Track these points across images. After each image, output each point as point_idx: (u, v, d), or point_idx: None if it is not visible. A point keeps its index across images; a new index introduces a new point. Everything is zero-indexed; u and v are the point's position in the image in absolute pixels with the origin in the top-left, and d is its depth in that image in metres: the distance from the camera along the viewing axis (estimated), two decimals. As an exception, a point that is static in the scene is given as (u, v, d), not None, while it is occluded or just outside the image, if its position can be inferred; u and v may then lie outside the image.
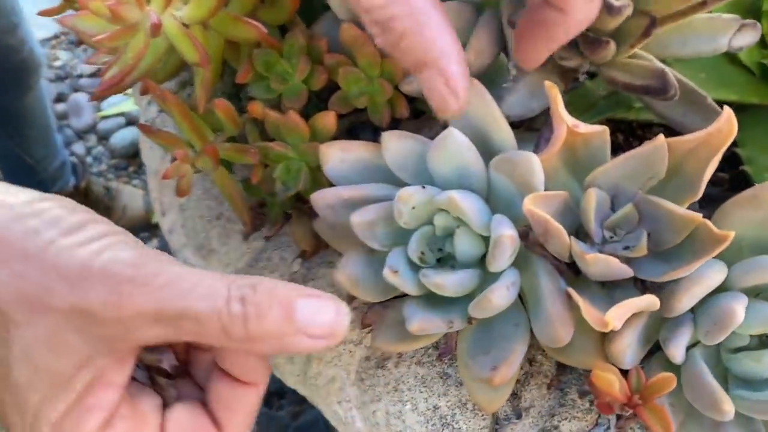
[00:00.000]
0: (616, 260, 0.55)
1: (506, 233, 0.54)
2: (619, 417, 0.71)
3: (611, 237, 0.62)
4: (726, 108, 0.56)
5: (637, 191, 0.62)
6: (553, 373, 0.74)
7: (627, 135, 0.85)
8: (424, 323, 0.59)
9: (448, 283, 0.58)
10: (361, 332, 0.76)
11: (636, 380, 0.53)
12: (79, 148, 3.03)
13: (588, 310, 0.53)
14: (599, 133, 0.61)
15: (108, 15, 0.56)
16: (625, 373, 0.65)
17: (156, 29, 0.55)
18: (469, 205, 0.57)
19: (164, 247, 0.86)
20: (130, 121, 3.03)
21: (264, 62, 0.70)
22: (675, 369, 0.63)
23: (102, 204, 2.53)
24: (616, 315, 0.52)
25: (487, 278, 0.62)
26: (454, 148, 0.60)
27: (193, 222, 0.89)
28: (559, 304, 0.56)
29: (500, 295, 0.55)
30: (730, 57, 0.82)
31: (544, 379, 0.74)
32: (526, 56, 0.49)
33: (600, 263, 0.54)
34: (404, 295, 0.70)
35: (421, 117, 0.75)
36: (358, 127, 0.82)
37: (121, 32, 0.57)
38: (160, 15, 0.59)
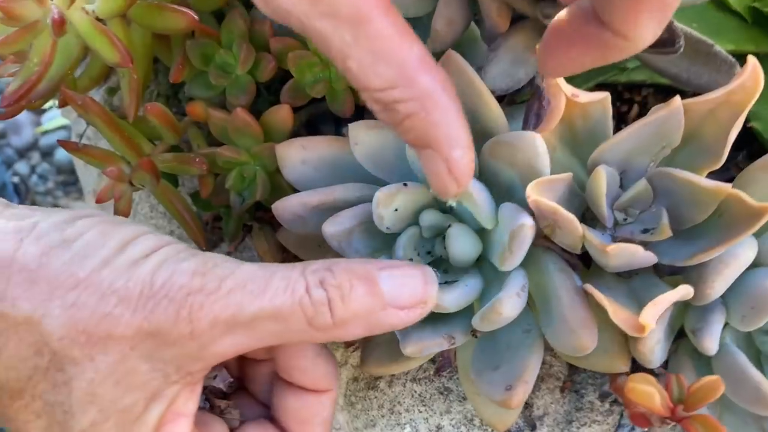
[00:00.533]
0: (640, 248, 0.47)
1: (526, 223, 0.46)
2: (643, 416, 0.63)
3: (624, 219, 0.53)
4: (750, 59, 0.48)
5: (649, 164, 0.53)
6: (564, 374, 0.66)
7: (614, 100, 0.76)
8: (421, 343, 0.51)
9: (448, 300, 0.49)
10: (345, 352, 0.67)
11: (677, 389, 0.45)
12: (22, 167, 2.86)
13: (618, 313, 0.45)
14: (601, 101, 0.52)
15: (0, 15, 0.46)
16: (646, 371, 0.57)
17: (59, 26, 0.45)
18: (476, 189, 0.48)
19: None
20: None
21: (200, 55, 0.60)
22: (704, 359, 0.56)
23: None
24: (652, 315, 0.44)
25: (491, 282, 0.53)
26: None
27: (142, 244, 0.78)
28: (579, 306, 0.48)
29: (511, 305, 0.47)
30: (719, 3, 0.74)
31: (555, 382, 0.66)
32: (556, 69, 0.41)
33: (623, 254, 0.46)
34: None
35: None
36: (318, 119, 0.72)
37: (19, 34, 0.47)
38: (66, 10, 0.49)
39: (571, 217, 0.47)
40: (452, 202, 0.51)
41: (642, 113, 0.65)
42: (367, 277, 0.43)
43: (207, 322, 0.39)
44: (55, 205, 2.50)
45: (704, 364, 0.56)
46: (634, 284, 0.54)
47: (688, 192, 0.51)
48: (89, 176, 0.88)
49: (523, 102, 0.61)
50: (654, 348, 0.51)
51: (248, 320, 0.40)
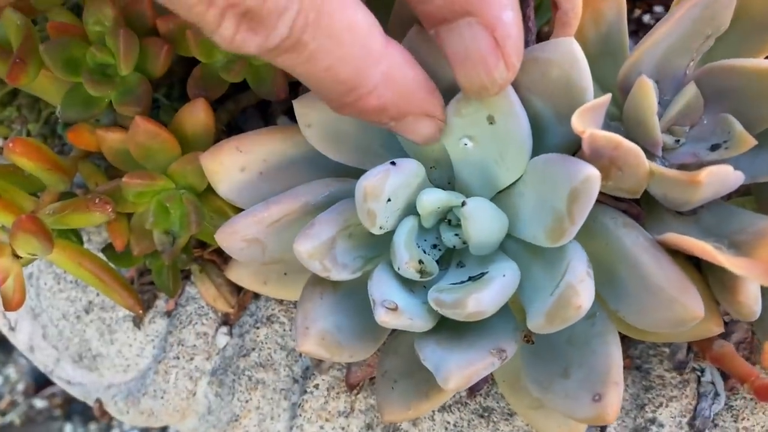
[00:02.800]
0: (730, 168, 0.34)
1: (592, 174, 0.32)
2: (725, 376, 0.51)
3: (676, 141, 0.41)
4: None
5: (688, 64, 0.41)
6: (619, 350, 0.53)
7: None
8: (468, 370, 0.37)
9: (486, 301, 0.35)
10: (348, 398, 0.53)
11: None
12: None
13: (728, 258, 0.32)
14: (614, -3, 0.39)
15: None
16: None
17: None
18: (513, 94, 0.36)
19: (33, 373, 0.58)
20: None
21: (65, 61, 0.44)
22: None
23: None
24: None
25: (528, 266, 0.40)
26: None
27: (57, 326, 0.62)
28: (669, 266, 0.35)
29: (588, 292, 0.34)
30: None
31: (612, 365, 0.52)
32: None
33: (715, 181, 0.33)
34: (393, 331, 0.47)
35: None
36: (241, 120, 0.57)
37: None
38: None
39: (637, 150, 0.34)
40: (475, 131, 0.37)
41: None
42: None
43: None
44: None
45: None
46: (705, 220, 0.42)
47: (751, 83, 0.39)
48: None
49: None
50: (758, 294, 0.39)
51: None
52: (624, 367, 0.54)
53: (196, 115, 0.44)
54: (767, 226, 0.36)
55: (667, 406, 0.51)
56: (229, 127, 0.57)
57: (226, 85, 0.47)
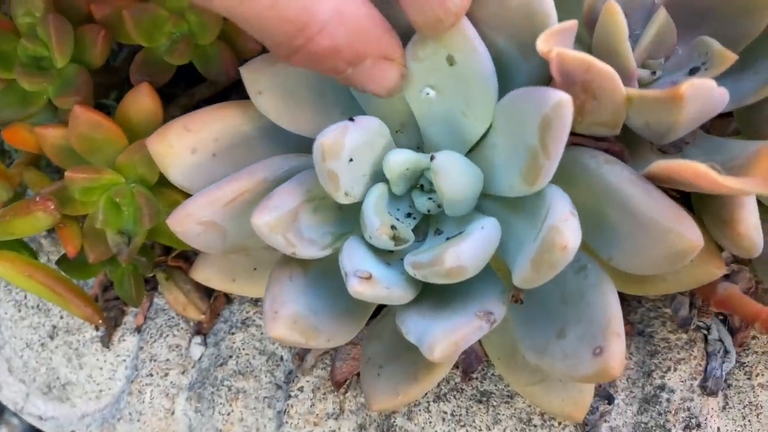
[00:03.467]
0: (713, 82, 0.31)
1: (563, 98, 0.29)
2: (732, 331, 0.48)
3: (653, 74, 0.38)
4: None
5: (656, -11, 0.39)
6: (619, 318, 0.50)
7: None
8: (453, 336, 0.34)
9: (465, 256, 0.32)
10: (336, 397, 0.49)
11: None
12: None
13: (725, 179, 0.29)
14: None
15: None
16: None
17: None
18: (473, 31, 0.32)
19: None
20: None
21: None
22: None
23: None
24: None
25: (509, 219, 0.37)
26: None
27: (22, 357, 0.58)
28: (660, 196, 0.32)
29: (573, 231, 0.31)
30: None
31: (613, 332, 0.49)
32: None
33: (700, 94, 0.31)
34: (376, 313, 0.44)
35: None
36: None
37: None
38: None
39: (611, 70, 0.31)
40: (429, 90, 0.34)
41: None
42: None
43: None
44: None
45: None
46: (692, 154, 0.39)
47: (727, 4, 0.36)
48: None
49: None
50: (758, 224, 0.36)
51: None
52: (625, 334, 0.51)
53: (141, 101, 0.41)
54: (759, 147, 0.33)
55: (675, 369, 0.48)
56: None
57: (173, 69, 0.44)
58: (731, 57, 0.35)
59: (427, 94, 0.36)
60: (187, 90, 0.52)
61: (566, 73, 0.31)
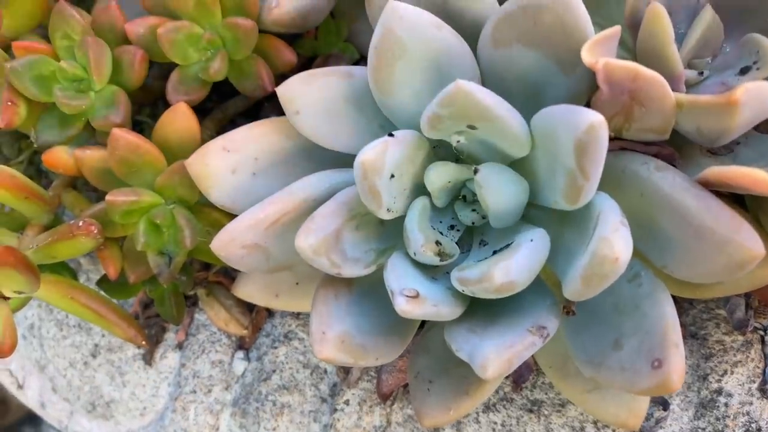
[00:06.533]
0: (769, 85, 0.30)
1: (596, 120, 0.29)
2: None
3: (700, 74, 0.37)
4: None
5: (701, -12, 0.37)
6: (671, 322, 0.48)
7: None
8: (506, 353, 0.33)
9: (516, 270, 0.31)
10: (383, 410, 0.48)
11: None
12: None
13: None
14: None
15: None
16: None
17: None
18: (490, 98, 0.30)
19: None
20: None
21: (35, 79, 0.41)
22: None
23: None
24: None
25: (558, 232, 0.36)
26: (412, 38, 0.33)
27: (65, 376, 0.58)
28: (717, 204, 0.31)
29: (624, 241, 0.30)
30: None
31: (665, 337, 0.48)
32: None
33: (755, 98, 0.29)
34: (420, 328, 0.43)
35: (314, 62, 0.48)
36: (230, 128, 0.54)
37: None
38: None
39: (659, 77, 0.30)
40: (459, 137, 0.33)
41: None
42: None
43: None
44: None
45: None
46: (744, 155, 0.38)
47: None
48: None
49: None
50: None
51: None
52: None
53: (178, 121, 0.41)
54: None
55: (732, 373, 0.47)
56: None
57: (208, 87, 0.44)
58: (784, 58, 0.33)
59: (458, 141, 0.35)
60: (221, 103, 0.52)
61: (614, 83, 0.30)
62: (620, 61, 0.29)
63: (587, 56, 0.29)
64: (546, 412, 0.47)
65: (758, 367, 0.47)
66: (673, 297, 0.42)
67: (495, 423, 0.48)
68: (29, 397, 0.66)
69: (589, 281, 0.31)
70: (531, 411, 0.48)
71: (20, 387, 0.66)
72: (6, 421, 1.56)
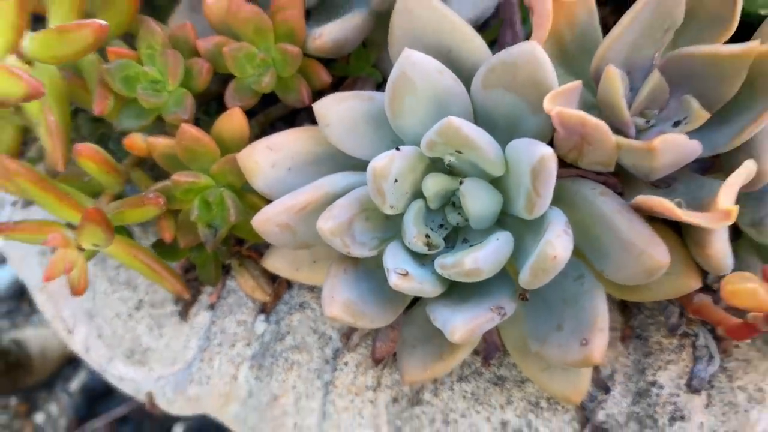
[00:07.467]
0: (685, 137, 0.40)
1: (546, 153, 0.38)
2: (718, 339, 0.56)
3: (646, 122, 0.47)
4: None
5: (654, 55, 0.47)
6: (620, 322, 0.59)
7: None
8: (470, 324, 0.42)
9: (482, 260, 0.41)
10: (376, 372, 0.58)
11: (782, 279, 0.38)
12: (-44, 306, 2.65)
13: (689, 213, 0.38)
14: (584, 0, 0.46)
15: None
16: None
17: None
18: (474, 132, 0.40)
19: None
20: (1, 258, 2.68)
21: (123, 79, 0.51)
22: (765, 250, 0.49)
23: (17, 360, 2.17)
24: (729, 198, 0.37)
25: (522, 237, 0.46)
26: (421, 79, 0.43)
27: (110, 325, 0.69)
28: (639, 223, 0.41)
29: (563, 244, 0.39)
30: None
31: (613, 334, 0.58)
32: None
33: (671, 148, 0.39)
34: (412, 305, 0.53)
35: (345, 82, 0.58)
36: (271, 131, 0.64)
37: None
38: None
39: (602, 124, 0.40)
40: (450, 157, 0.43)
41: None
42: None
43: None
44: (17, 341, 2.27)
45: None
46: (679, 189, 0.47)
47: (709, 67, 0.44)
48: (31, 270, 0.77)
49: (494, 42, 0.54)
50: (726, 248, 0.44)
51: None
52: (626, 337, 0.59)
53: (233, 123, 0.51)
54: (719, 186, 0.42)
55: (665, 369, 0.56)
56: (263, 136, 0.64)
57: (258, 96, 0.54)
58: (705, 115, 0.43)
59: (450, 159, 0.45)
60: (264, 108, 0.62)
61: (566, 127, 0.40)
62: (571, 111, 0.39)
63: (547, 104, 0.39)
64: (508, 386, 0.57)
65: (687, 366, 0.56)
66: (624, 303, 0.51)
67: (466, 391, 0.58)
68: (76, 341, 0.76)
69: (536, 274, 0.41)
70: (496, 384, 0.57)
71: (70, 332, 0.77)
72: (24, 384, 1.69)
